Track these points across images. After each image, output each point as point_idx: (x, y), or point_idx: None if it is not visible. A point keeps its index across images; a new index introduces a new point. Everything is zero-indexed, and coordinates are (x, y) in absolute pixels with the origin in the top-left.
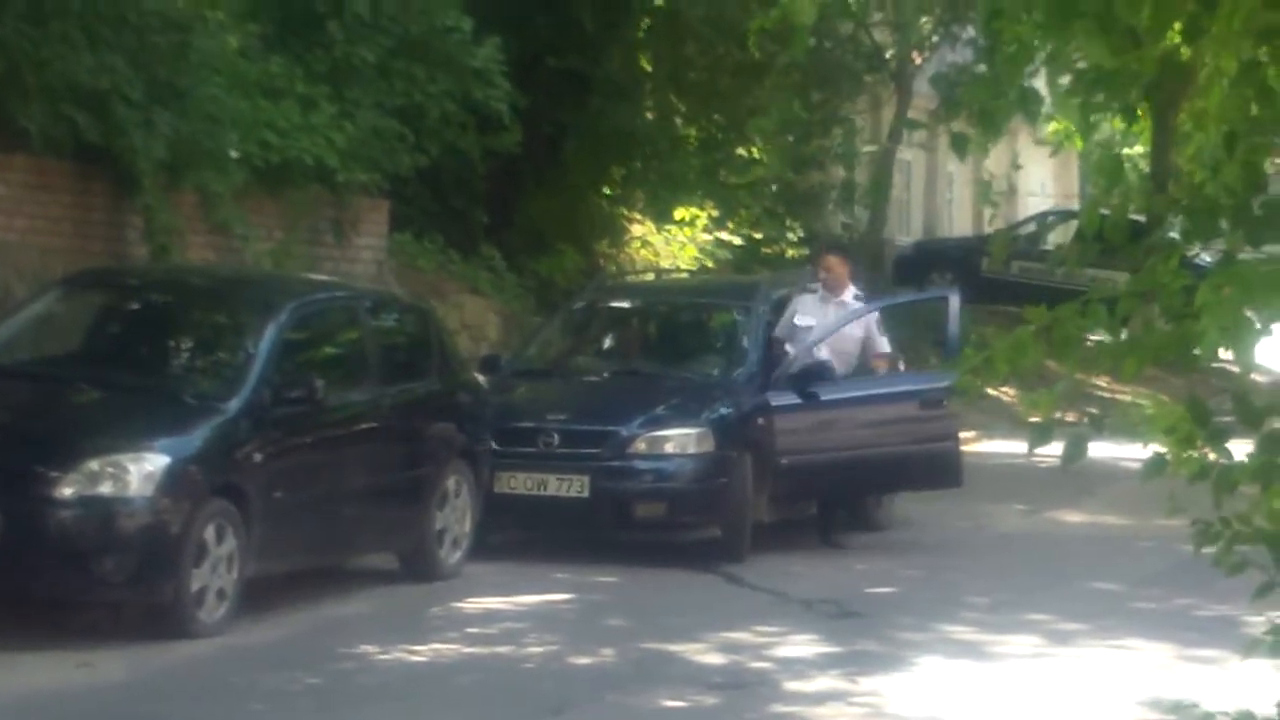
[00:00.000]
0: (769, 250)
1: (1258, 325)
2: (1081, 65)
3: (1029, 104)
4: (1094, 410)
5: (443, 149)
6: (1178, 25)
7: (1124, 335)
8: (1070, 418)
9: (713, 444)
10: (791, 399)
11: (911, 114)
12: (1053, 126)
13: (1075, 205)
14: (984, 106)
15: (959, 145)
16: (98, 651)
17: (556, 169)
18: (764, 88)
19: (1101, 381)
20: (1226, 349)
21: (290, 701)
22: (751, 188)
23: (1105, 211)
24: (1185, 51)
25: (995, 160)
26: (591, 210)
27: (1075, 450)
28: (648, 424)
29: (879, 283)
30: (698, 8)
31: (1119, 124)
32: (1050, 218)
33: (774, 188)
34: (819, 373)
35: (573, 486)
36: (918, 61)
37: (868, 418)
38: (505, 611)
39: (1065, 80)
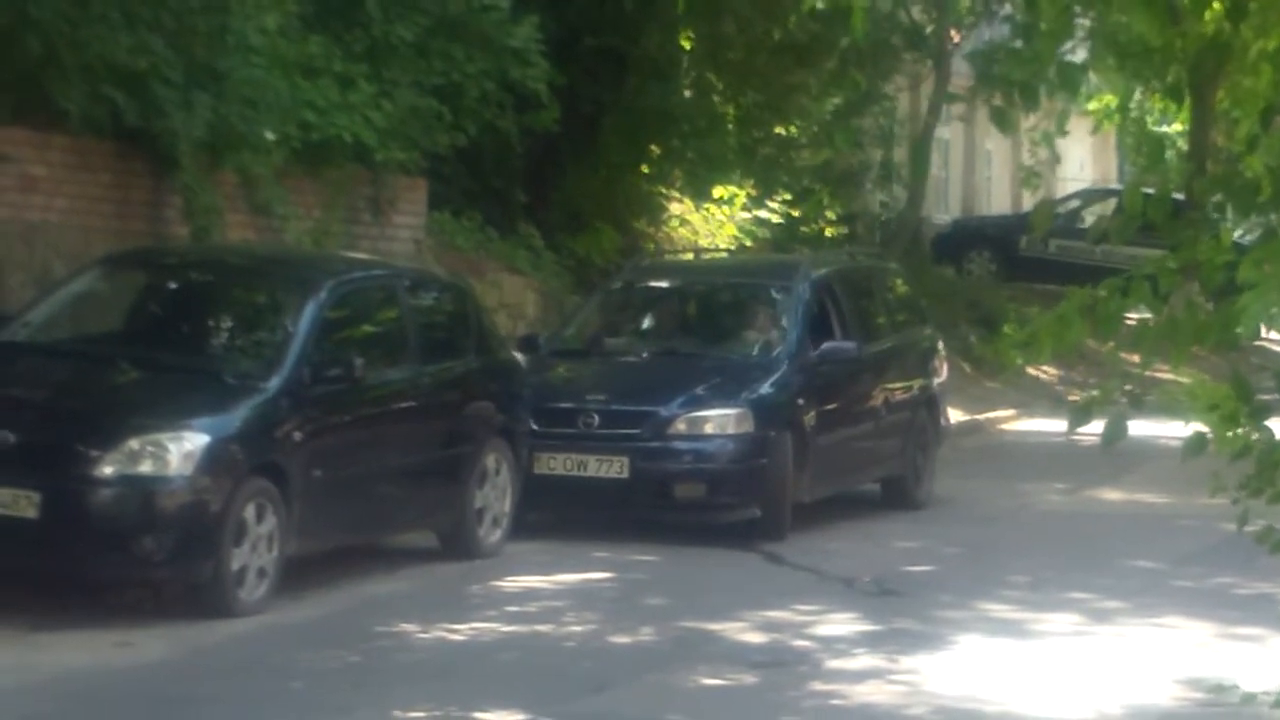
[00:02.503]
0: (807, 229)
1: None
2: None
3: (1068, 77)
4: (1133, 388)
5: (481, 128)
6: (1218, 4)
7: (1165, 313)
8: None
9: (752, 424)
10: None
11: (950, 91)
12: (1092, 104)
13: (1114, 185)
14: (1022, 79)
15: (999, 118)
16: (137, 630)
17: (594, 148)
18: (822, 72)
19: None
20: (1269, 326)
21: (329, 679)
22: (789, 159)
23: (1149, 190)
24: (1227, 29)
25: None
26: (629, 189)
27: (1115, 431)
28: (687, 404)
29: (917, 261)
30: None
31: (1160, 102)
32: (1090, 194)
33: (809, 155)
34: (838, 354)
35: (612, 467)
36: (956, 39)
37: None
38: (545, 590)
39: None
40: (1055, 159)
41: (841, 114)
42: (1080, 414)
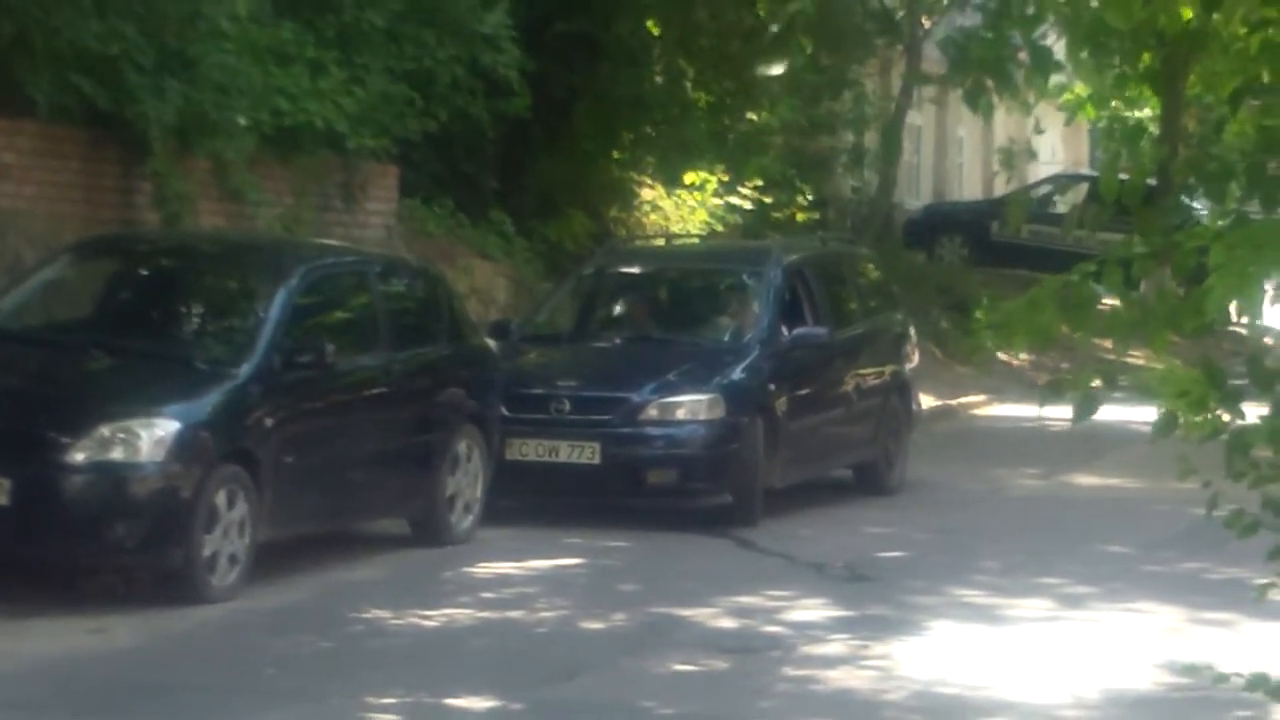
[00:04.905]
0: (779, 214)
1: (1267, 286)
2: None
3: (1039, 59)
4: (1105, 371)
5: (452, 114)
6: None
7: (1137, 299)
8: None
9: (724, 410)
10: None
11: (921, 73)
12: (1065, 95)
13: (1085, 170)
14: (994, 63)
15: (971, 99)
16: (109, 617)
17: (566, 133)
18: (768, 40)
19: (1111, 344)
20: (1240, 313)
21: (301, 666)
22: (761, 145)
23: (1123, 176)
24: (1199, 14)
25: (1012, 125)
26: (601, 175)
27: (1085, 408)
28: (659, 390)
29: (888, 246)
30: None
31: (1133, 89)
32: (1062, 180)
33: (781, 141)
34: (810, 339)
35: (584, 453)
36: (927, 25)
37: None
38: (517, 576)
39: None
40: (1032, 153)
41: (786, 80)
42: (1051, 392)
